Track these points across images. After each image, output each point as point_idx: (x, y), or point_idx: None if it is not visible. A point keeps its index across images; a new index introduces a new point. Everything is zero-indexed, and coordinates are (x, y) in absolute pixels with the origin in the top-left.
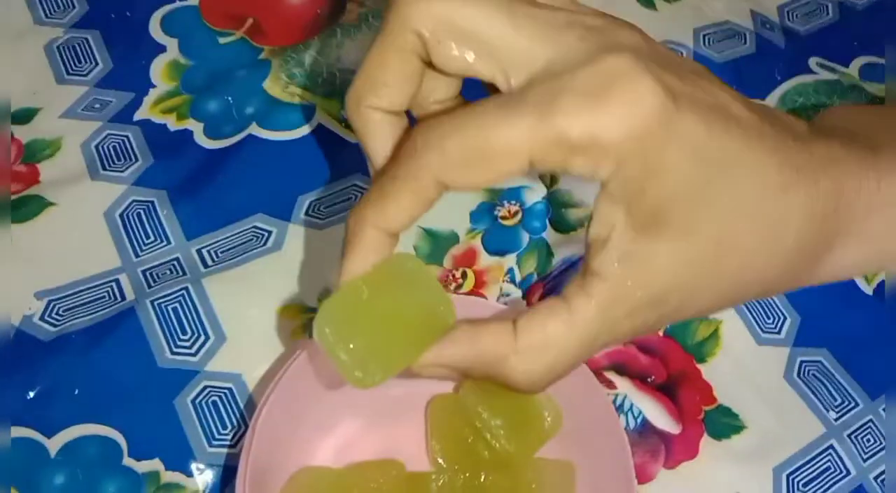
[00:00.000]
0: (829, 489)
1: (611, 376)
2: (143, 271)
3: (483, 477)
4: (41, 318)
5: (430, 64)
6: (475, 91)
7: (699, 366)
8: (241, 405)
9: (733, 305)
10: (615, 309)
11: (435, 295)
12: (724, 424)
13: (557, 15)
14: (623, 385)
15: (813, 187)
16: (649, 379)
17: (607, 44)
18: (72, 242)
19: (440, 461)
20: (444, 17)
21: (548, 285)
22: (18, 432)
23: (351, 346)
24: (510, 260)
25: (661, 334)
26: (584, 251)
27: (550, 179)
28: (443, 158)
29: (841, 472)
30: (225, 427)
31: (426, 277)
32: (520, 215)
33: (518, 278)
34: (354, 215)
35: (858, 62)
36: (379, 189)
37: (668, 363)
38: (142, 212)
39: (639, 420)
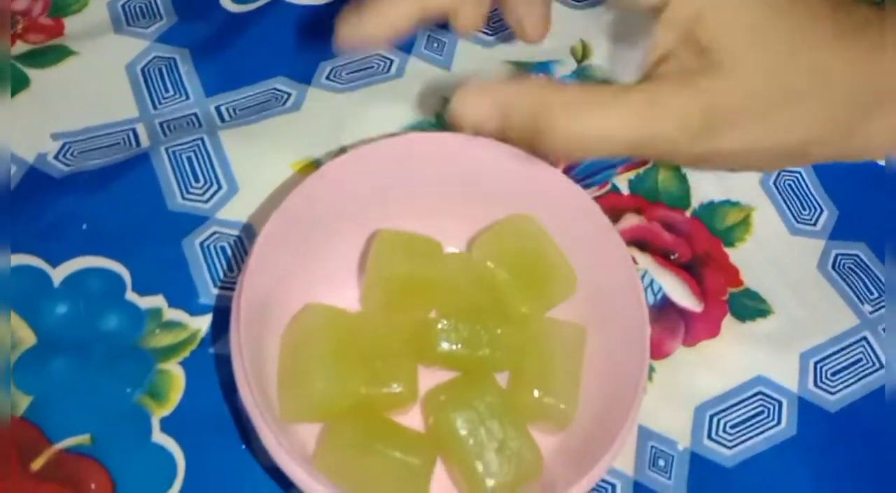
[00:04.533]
0: (858, 381)
1: (632, 251)
2: (161, 123)
3: (491, 332)
4: (55, 157)
5: None
6: None
7: (726, 250)
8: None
9: (776, 157)
10: (664, 110)
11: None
12: (750, 307)
13: None
14: (644, 261)
15: (862, 47)
16: (673, 256)
17: None
18: (91, 91)
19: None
20: None
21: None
22: (23, 259)
23: None
24: None
25: (687, 215)
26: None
27: (581, 53)
28: None
29: (873, 365)
30: (231, 271)
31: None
32: None
33: None
34: None
35: None
36: None
37: (693, 244)
38: (163, 67)
39: (658, 296)
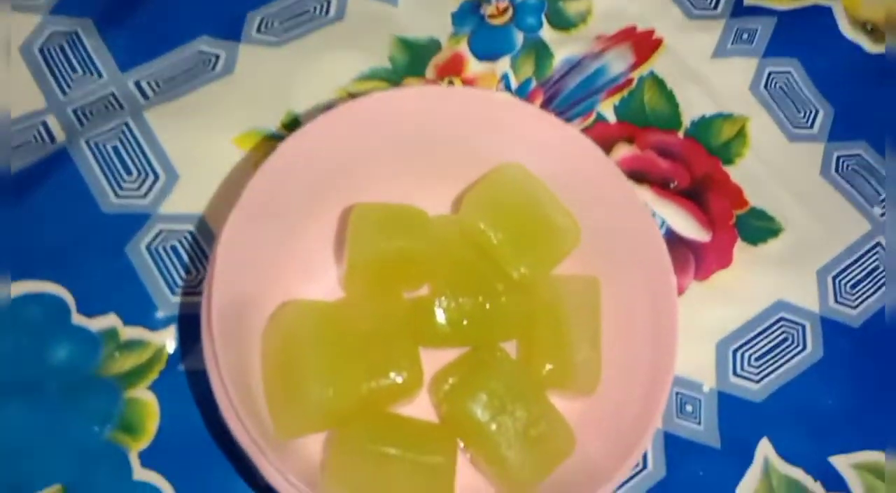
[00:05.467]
0: (879, 289)
1: None
2: (74, 110)
3: (494, 300)
4: None
5: None
6: None
7: (726, 168)
8: (207, 249)
9: None
10: None
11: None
12: (759, 227)
13: None
14: (643, 194)
15: None
16: (672, 185)
17: None
18: None
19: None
20: None
21: (548, 90)
22: None
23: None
24: (503, 64)
25: (680, 135)
26: None
27: None
28: None
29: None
30: (189, 273)
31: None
32: (511, 12)
33: (514, 84)
34: None
35: None
36: None
37: (691, 167)
38: (64, 44)
39: (663, 230)
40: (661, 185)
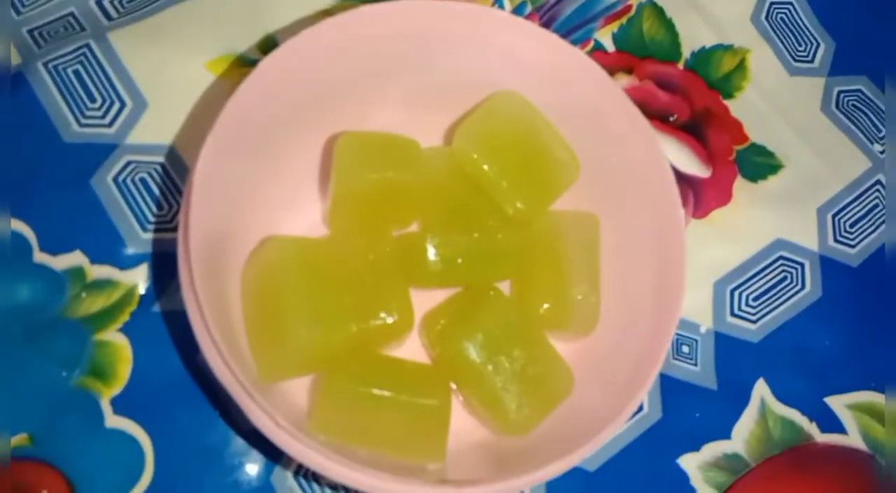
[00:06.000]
0: (878, 228)
1: None
2: (30, 31)
3: (488, 237)
4: None
5: None
6: None
7: (726, 102)
8: (179, 182)
9: None
10: None
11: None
12: (759, 163)
13: None
14: None
15: None
16: (671, 118)
17: None
18: None
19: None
20: None
21: (544, 15)
22: None
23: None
24: None
25: (680, 67)
26: None
27: None
28: None
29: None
30: (161, 208)
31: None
32: None
33: (508, 6)
34: None
35: None
36: None
37: (691, 100)
38: None
39: None
40: (660, 118)
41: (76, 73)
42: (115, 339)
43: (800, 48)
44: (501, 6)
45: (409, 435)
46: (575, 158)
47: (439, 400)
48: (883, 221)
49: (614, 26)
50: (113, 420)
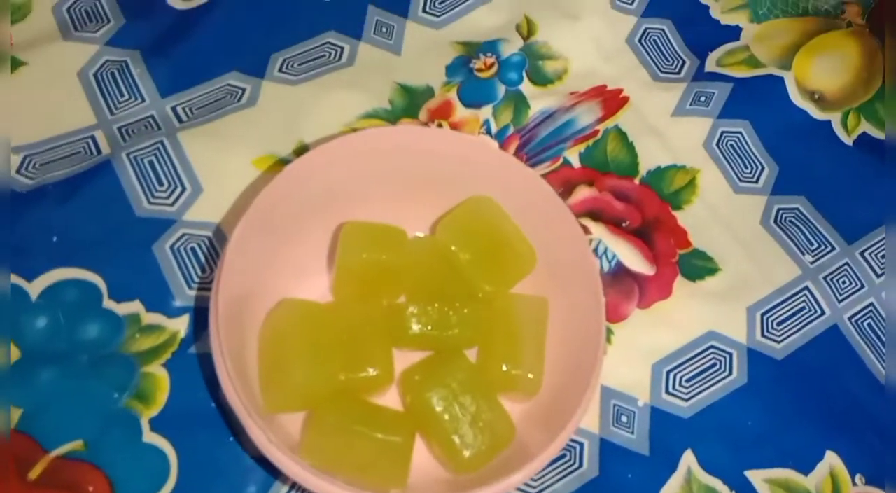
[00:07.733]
0: (803, 328)
1: (585, 222)
2: (119, 128)
3: (458, 311)
4: (18, 171)
5: None
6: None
7: (675, 213)
8: (221, 252)
9: None
10: None
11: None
12: (699, 266)
13: None
14: (598, 231)
15: None
16: (624, 224)
17: None
18: (45, 101)
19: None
20: None
21: (523, 136)
22: None
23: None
24: (486, 112)
25: (636, 182)
26: None
27: (527, 31)
28: None
29: (815, 312)
30: (205, 272)
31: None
32: (496, 68)
33: (494, 129)
34: None
35: None
36: None
37: (643, 209)
38: (115, 71)
39: (613, 263)
40: (614, 223)
41: (150, 162)
42: (158, 372)
43: (746, 171)
44: (489, 128)
45: (377, 464)
46: (533, 252)
47: (403, 438)
48: (808, 323)
49: (581, 147)
50: (149, 436)
